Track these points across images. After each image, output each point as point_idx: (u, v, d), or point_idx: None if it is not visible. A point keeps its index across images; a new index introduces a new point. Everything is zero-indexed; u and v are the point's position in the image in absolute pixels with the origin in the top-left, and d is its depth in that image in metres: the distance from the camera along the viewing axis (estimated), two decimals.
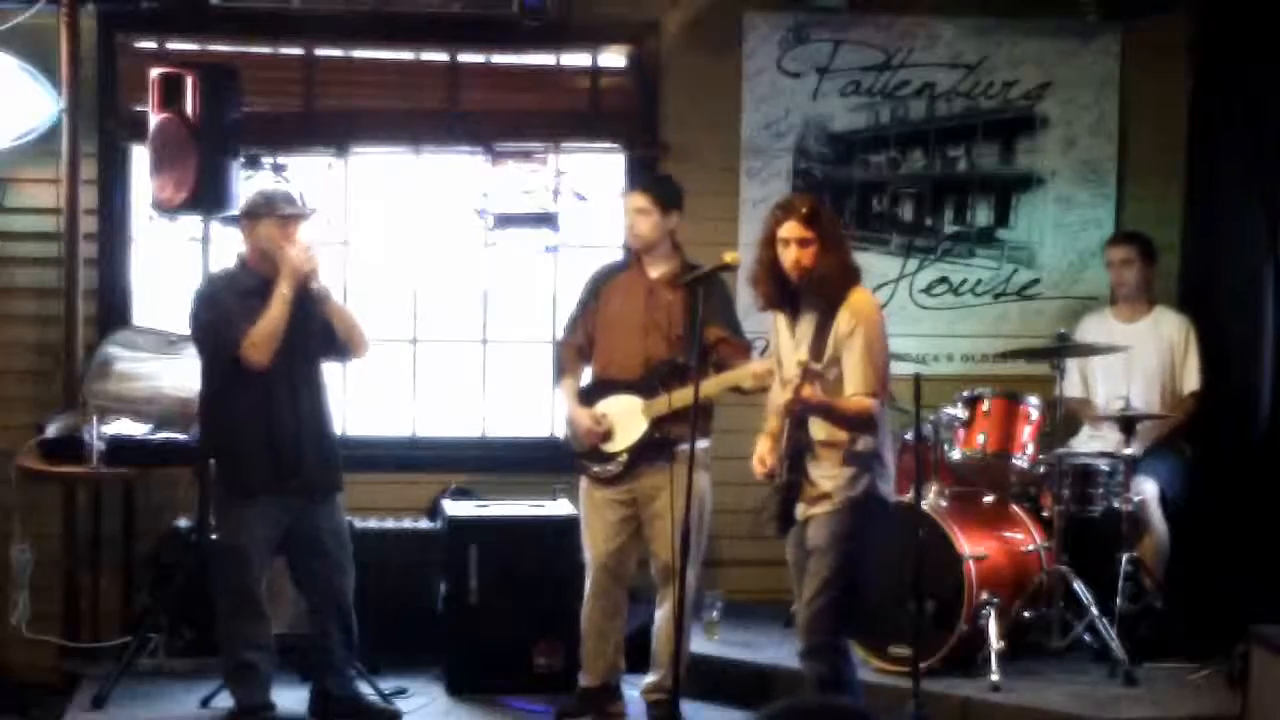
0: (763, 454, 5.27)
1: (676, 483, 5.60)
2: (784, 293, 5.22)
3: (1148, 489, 6.51)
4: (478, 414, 7.49)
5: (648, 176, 6.41)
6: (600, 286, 6.17)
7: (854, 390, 5.07)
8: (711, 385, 5.69)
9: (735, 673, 6.33)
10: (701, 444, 5.84)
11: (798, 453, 5.16)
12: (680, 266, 6.00)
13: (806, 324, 5.19)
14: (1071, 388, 6.73)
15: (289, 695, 6.13)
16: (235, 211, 6.10)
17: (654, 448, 5.91)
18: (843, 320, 5.09)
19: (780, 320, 5.31)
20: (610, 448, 6.01)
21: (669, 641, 5.82)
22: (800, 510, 5.20)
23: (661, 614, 6.03)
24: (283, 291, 5.72)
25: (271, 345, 5.70)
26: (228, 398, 5.83)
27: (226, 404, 5.84)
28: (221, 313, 5.77)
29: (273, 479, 5.79)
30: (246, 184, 6.58)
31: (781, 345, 5.30)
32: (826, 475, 5.14)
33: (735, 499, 6.44)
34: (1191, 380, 6.81)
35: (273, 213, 5.83)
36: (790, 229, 5.12)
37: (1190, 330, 6.85)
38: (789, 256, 5.12)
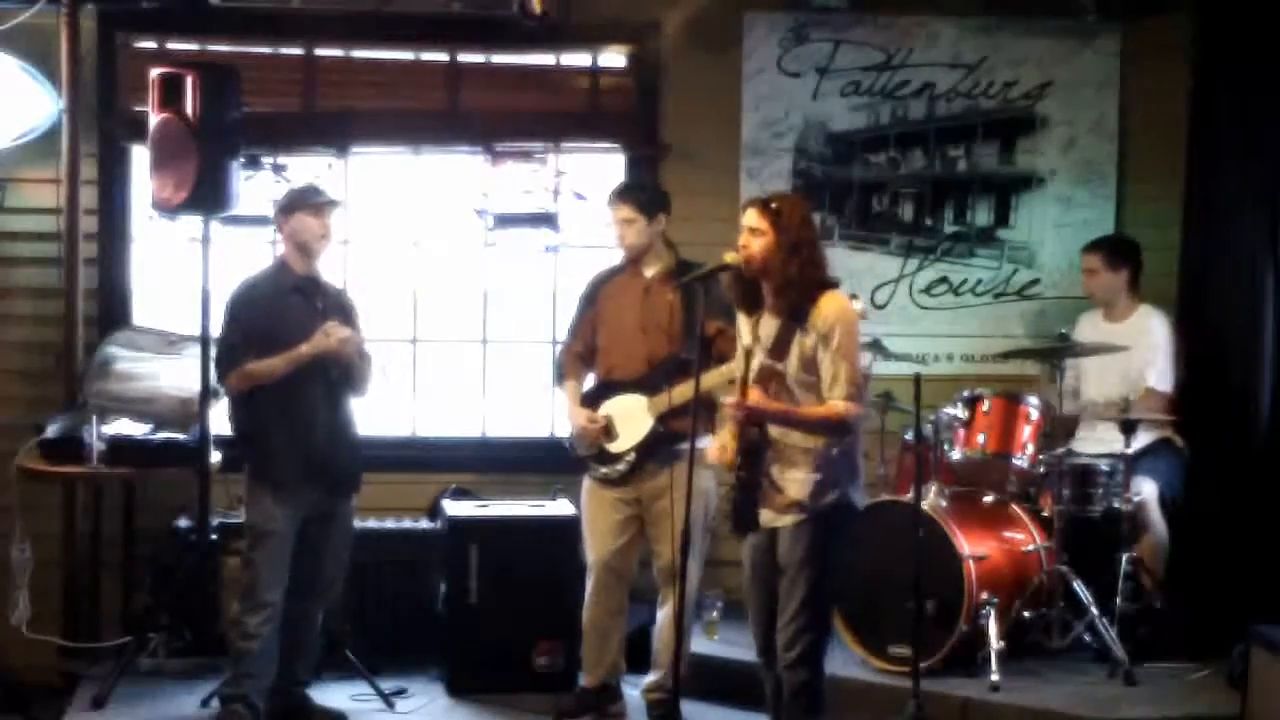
0: (724, 442, 5.13)
1: (678, 482, 5.59)
2: (747, 293, 5.16)
3: (1146, 489, 6.51)
4: (478, 414, 7.50)
5: (628, 185, 6.36)
6: (598, 290, 6.20)
7: (831, 395, 4.99)
8: (711, 378, 5.64)
9: (735, 673, 6.33)
10: (706, 442, 5.85)
11: (753, 450, 5.05)
12: (674, 264, 6.01)
13: (769, 326, 5.11)
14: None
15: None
16: (272, 209, 6.18)
17: (662, 444, 5.92)
18: (817, 326, 4.98)
19: (742, 320, 5.23)
20: (616, 447, 6.02)
21: (670, 641, 5.83)
22: (767, 516, 5.09)
23: (663, 614, 6.04)
24: (301, 351, 5.80)
25: (255, 385, 5.82)
26: (264, 394, 5.85)
27: (263, 400, 5.86)
28: (236, 333, 5.87)
29: (302, 473, 5.84)
30: (246, 184, 6.59)
31: (740, 345, 5.24)
32: (793, 480, 5.04)
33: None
34: (1151, 376, 6.75)
35: (305, 203, 5.92)
36: (747, 216, 5.09)
37: (1166, 329, 6.82)
38: (740, 244, 5.09)
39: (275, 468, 5.85)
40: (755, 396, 4.95)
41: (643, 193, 6.15)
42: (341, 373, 5.92)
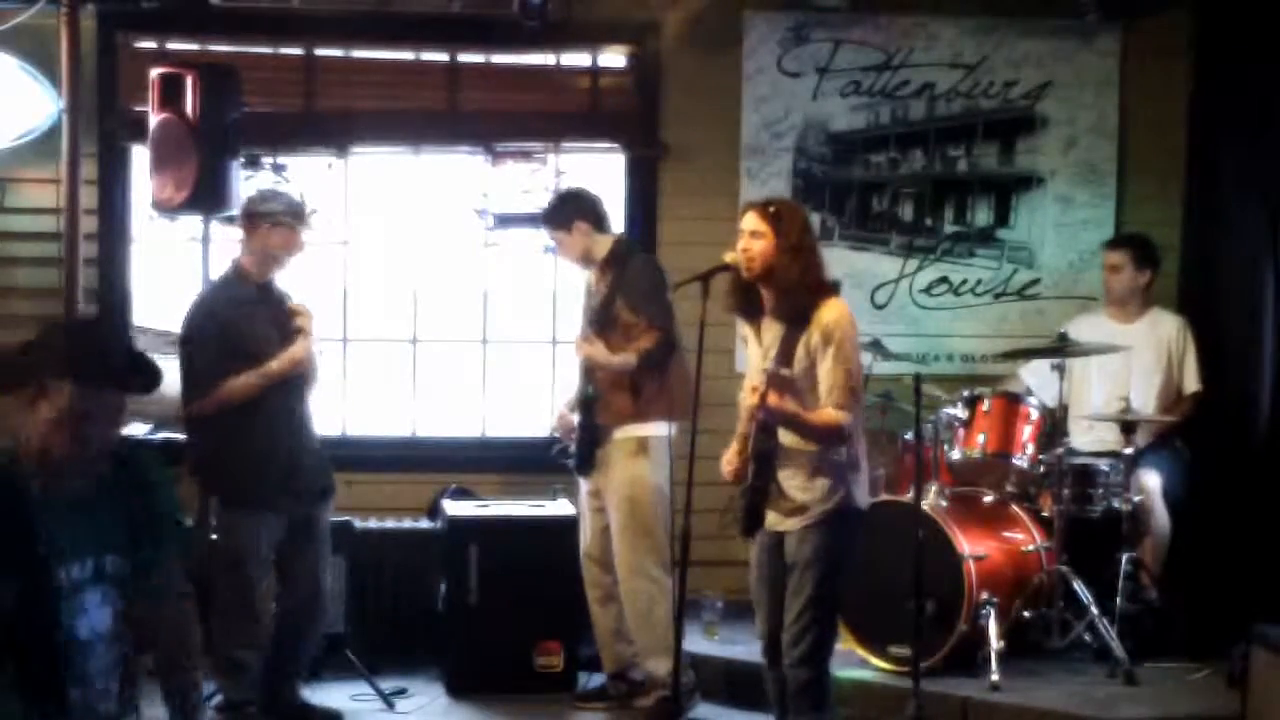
0: (730, 456, 5.18)
1: (608, 474, 6.06)
2: (747, 299, 5.16)
3: (1151, 481, 6.50)
4: (478, 414, 7.50)
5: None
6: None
7: (826, 403, 4.99)
8: (613, 357, 6.03)
9: (735, 673, 6.33)
10: (656, 430, 6.01)
11: (763, 456, 5.06)
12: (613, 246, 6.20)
13: (772, 332, 5.11)
14: (1043, 388, 6.68)
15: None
16: (237, 212, 6.09)
17: (585, 436, 6.14)
18: (816, 332, 4.98)
19: (747, 328, 5.25)
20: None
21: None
22: (773, 520, 5.10)
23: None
24: (271, 368, 5.70)
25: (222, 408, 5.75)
26: (228, 413, 5.77)
27: (227, 419, 5.77)
28: (206, 359, 5.73)
29: (275, 489, 5.78)
30: (246, 184, 6.58)
31: (750, 352, 5.24)
32: (800, 486, 5.04)
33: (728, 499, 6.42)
34: (1191, 382, 6.81)
35: (284, 218, 5.80)
36: (746, 220, 5.10)
37: (1187, 331, 6.84)
38: (740, 247, 5.09)
39: (252, 487, 5.75)
40: (774, 399, 4.95)
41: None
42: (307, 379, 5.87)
